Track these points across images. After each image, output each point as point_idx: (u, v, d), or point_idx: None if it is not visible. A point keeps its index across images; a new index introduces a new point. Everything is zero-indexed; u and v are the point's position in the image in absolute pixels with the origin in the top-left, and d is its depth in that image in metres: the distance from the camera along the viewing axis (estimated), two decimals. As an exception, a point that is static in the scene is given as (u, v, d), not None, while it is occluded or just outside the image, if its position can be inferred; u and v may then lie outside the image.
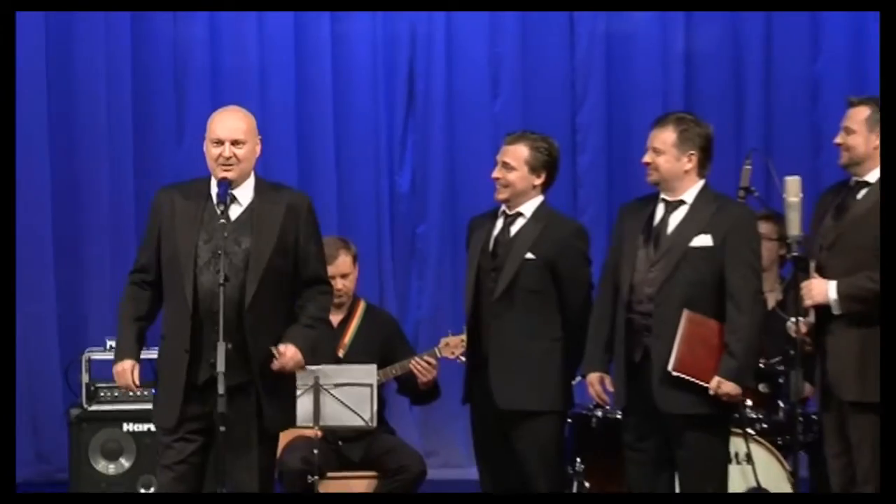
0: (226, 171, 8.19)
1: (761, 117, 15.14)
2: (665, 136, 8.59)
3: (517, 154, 8.79)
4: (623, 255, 8.63)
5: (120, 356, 8.29)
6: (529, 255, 8.68)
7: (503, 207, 8.84)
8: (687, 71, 15.26)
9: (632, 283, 8.54)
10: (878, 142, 8.42)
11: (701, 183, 8.59)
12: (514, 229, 8.77)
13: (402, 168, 15.19)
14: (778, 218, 9.36)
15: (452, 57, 15.06)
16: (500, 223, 8.83)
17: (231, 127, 8.25)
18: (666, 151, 8.56)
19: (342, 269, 10.08)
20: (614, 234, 8.86)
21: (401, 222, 15.13)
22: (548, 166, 8.82)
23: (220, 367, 7.90)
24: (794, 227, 8.26)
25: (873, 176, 8.46)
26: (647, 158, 8.61)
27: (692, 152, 8.55)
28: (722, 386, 8.39)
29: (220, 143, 8.21)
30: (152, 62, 14.83)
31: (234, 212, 8.20)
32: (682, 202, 8.57)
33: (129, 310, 8.34)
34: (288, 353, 8.09)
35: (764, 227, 10.00)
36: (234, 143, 8.20)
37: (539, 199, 8.83)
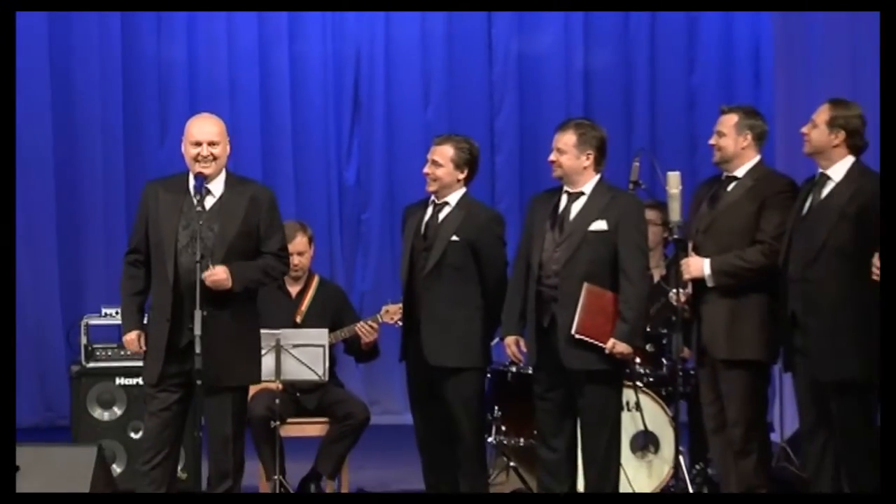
0: (203, 167, 8.19)
1: (647, 123, 15.22)
2: (567, 139, 8.57)
3: (444, 153, 8.76)
4: (533, 237, 8.62)
5: (127, 328, 8.34)
6: (454, 238, 8.65)
7: (432, 197, 8.81)
8: (585, 85, 15.35)
9: (541, 261, 8.53)
10: (745, 143, 8.47)
11: (597, 177, 8.58)
12: (441, 216, 8.74)
13: (349, 165, 15.26)
14: (662, 206, 9.35)
15: (390, 73, 15.15)
16: (430, 210, 8.79)
17: (207, 130, 8.25)
18: (568, 151, 8.54)
19: (298, 247, 10.03)
20: (526, 220, 8.84)
21: (348, 210, 15.22)
22: (469, 163, 8.80)
23: (197, 330, 7.91)
24: (675, 214, 8.27)
25: (741, 171, 8.49)
26: (552, 157, 8.61)
27: (589, 152, 8.53)
28: (616, 346, 8.39)
29: (198, 144, 8.20)
30: (139, 78, 14.87)
31: (209, 202, 8.19)
32: (581, 193, 8.55)
33: (128, 288, 8.34)
34: (217, 270, 8.05)
35: (650, 214, 9.99)
36: (210, 143, 8.20)
37: (462, 190, 8.80)
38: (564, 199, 8.60)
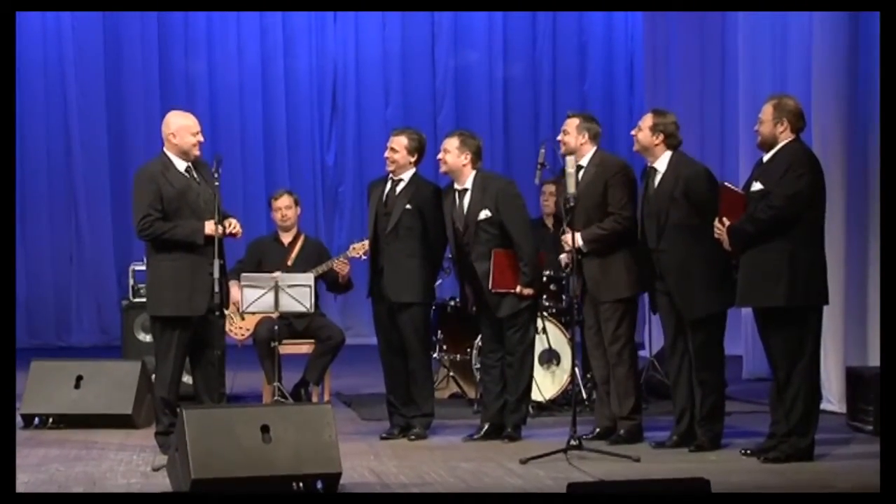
0: (199, 150, 8.04)
1: (550, 118, 15.40)
2: (451, 143, 8.52)
3: (399, 142, 8.66)
4: (447, 226, 8.56)
5: (199, 226, 7.85)
6: (407, 206, 8.55)
7: (390, 175, 8.72)
8: (504, 90, 15.52)
9: (458, 244, 8.52)
10: (583, 140, 8.36)
11: (473, 172, 8.51)
12: (398, 189, 8.63)
13: (329, 150, 15.45)
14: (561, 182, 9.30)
15: (360, 82, 15.41)
16: (388, 185, 8.68)
17: (198, 122, 8.12)
18: (451, 151, 8.48)
19: (285, 202, 10.15)
20: (443, 209, 8.70)
21: (328, 184, 15.41)
22: (419, 150, 8.68)
23: (216, 274, 7.82)
24: (571, 188, 8.17)
25: (584, 160, 8.36)
26: (440, 156, 8.55)
27: (467, 153, 8.46)
28: (523, 291, 8.38)
29: (198, 133, 8.04)
30: (172, 85, 15.05)
31: (195, 174, 8.05)
32: (466, 189, 8.50)
33: (170, 223, 7.89)
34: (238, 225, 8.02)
35: (552, 188, 9.99)
36: (201, 132, 8.09)
37: (413, 170, 8.68)
38: (457, 195, 8.54)
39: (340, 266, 9.85)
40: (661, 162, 8.10)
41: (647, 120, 8.17)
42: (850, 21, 9.45)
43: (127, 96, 14.89)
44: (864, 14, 9.31)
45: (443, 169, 8.55)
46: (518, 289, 8.37)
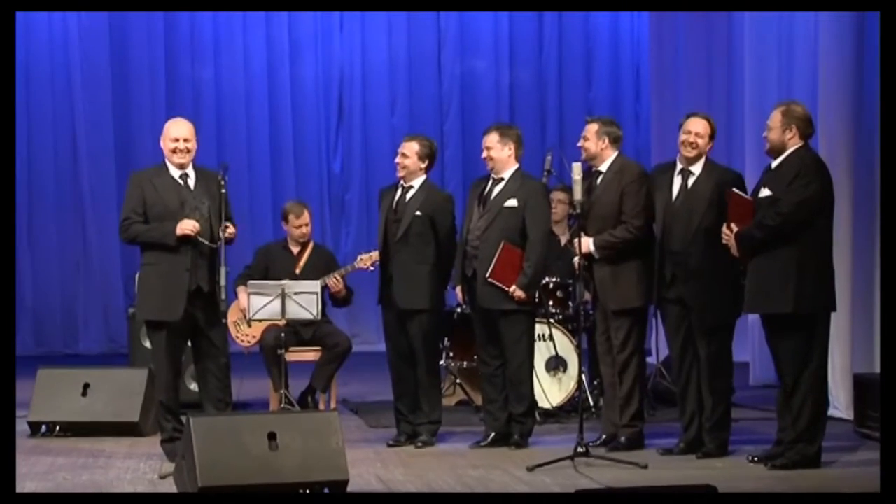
0: (181, 157, 7.98)
1: (556, 125, 15.43)
2: (491, 138, 8.53)
3: (411, 148, 8.67)
4: (466, 211, 8.61)
5: (171, 226, 7.82)
6: (418, 213, 8.56)
7: (401, 182, 8.72)
8: (510, 97, 15.53)
9: (468, 228, 8.54)
10: (604, 145, 8.36)
11: (516, 166, 8.53)
12: (408, 196, 8.65)
13: (335, 158, 15.48)
14: (569, 189, 9.28)
15: (366, 89, 15.43)
16: (399, 192, 8.69)
17: (187, 129, 8.06)
18: (493, 147, 8.50)
19: (305, 220, 10.04)
20: (467, 199, 8.80)
21: (335, 192, 15.45)
22: (430, 156, 8.70)
23: (222, 282, 7.81)
24: (578, 195, 8.16)
25: (604, 166, 8.38)
26: (484, 155, 8.56)
27: (510, 144, 8.49)
28: (516, 292, 8.36)
29: (179, 140, 7.98)
30: (179, 91, 15.05)
31: (192, 183, 8.03)
32: (502, 179, 8.52)
33: (146, 226, 7.92)
34: (232, 228, 7.92)
35: (560, 195, 9.98)
36: (185, 140, 8.01)
37: (424, 176, 8.70)
38: (490, 183, 8.57)
39: (332, 282, 9.79)
40: (698, 165, 8.12)
41: (706, 126, 8.15)
42: (856, 24, 9.44)
43: (133, 103, 14.91)
44: (870, 16, 9.29)
45: (490, 165, 8.55)
46: (512, 289, 8.37)
